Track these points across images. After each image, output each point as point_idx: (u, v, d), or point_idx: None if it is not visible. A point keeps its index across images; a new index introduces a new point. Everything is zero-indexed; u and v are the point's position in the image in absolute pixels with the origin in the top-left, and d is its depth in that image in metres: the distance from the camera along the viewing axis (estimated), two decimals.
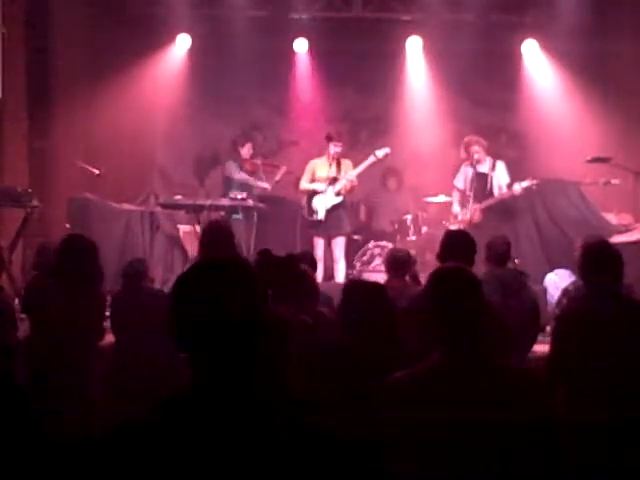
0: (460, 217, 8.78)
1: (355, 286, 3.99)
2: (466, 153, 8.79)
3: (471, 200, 8.69)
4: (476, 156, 8.67)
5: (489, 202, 8.67)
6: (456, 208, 8.94)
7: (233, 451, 1.57)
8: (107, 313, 6.09)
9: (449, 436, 2.46)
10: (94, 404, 4.99)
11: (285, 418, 1.62)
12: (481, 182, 8.71)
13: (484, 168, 8.76)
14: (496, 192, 8.70)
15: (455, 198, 9.04)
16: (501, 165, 8.80)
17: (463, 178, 8.94)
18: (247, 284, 1.69)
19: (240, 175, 9.31)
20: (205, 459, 1.56)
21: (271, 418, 1.60)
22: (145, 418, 1.64)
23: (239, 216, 8.93)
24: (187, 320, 1.66)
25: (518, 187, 8.56)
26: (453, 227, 8.61)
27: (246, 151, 9.47)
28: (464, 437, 2.44)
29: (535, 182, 8.61)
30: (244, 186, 9.27)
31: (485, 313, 2.67)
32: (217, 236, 5.08)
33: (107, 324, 6.16)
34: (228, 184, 9.32)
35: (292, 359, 3.41)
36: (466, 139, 8.90)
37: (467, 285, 2.65)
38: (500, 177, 8.75)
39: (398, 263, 5.91)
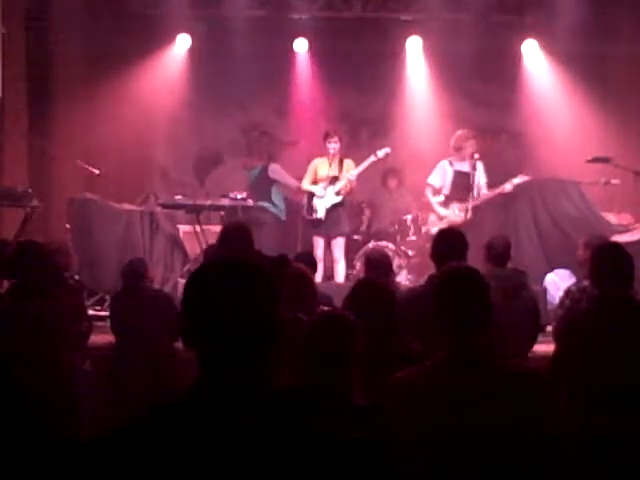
0: (452, 218, 8.61)
1: (366, 285, 3.94)
2: (458, 146, 8.62)
3: (455, 200, 8.60)
4: (470, 149, 8.57)
5: (484, 198, 8.62)
6: (442, 211, 8.75)
7: (233, 451, 1.57)
8: (107, 313, 6.10)
9: (451, 435, 2.46)
10: (78, 401, 4.93)
11: (285, 418, 1.62)
12: (463, 181, 8.61)
13: (464, 167, 8.67)
14: (475, 192, 8.58)
15: (435, 200, 8.82)
16: (481, 165, 8.71)
17: (440, 176, 8.81)
18: (262, 284, 1.69)
19: (291, 180, 9.22)
20: (205, 459, 1.56)
21: (271, 418, 1.60)
22: (145, 418, 1.64)
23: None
24: (198, 315, 1.66)
25: (509, 185, 8.53)
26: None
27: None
28: (466, 436, 2.45)
29: (527, 178, 8.60)
30: (285, 190, 9.25)
31: (491, 314, 2.66)
32: (235, 235, 4.99)
33: (107, 324, 6.17)
34: (272, 187, 9.15)
35: (292, 359, 3.40)
36: (462, 132, 8.73)
37: (475, 286, 2.65)
38: (480, 177, 8.68)
39: (374, 264, 5.82)
